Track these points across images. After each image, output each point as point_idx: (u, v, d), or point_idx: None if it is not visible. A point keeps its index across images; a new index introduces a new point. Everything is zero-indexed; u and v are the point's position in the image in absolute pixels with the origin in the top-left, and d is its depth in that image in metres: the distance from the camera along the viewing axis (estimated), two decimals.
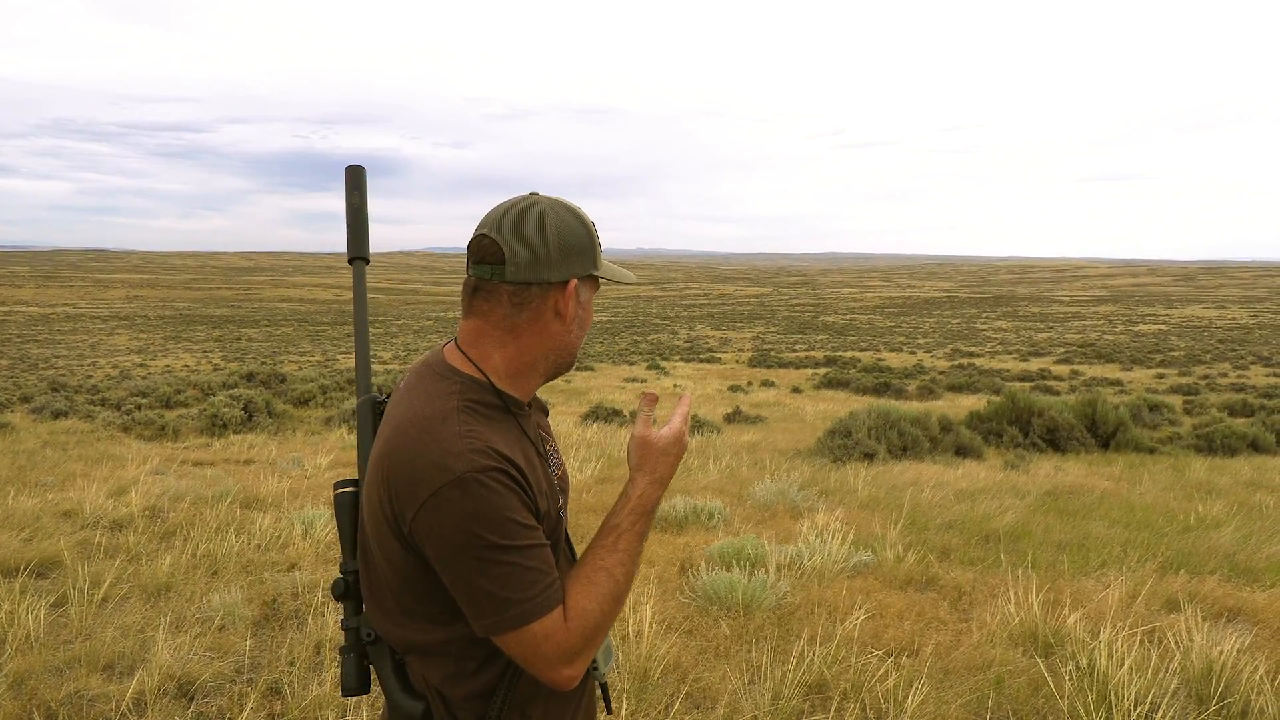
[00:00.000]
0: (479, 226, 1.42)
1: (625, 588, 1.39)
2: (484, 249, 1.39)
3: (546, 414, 1.64)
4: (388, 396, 1.50)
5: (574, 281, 1.41)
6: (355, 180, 1.64)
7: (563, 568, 1.45)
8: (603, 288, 1.53)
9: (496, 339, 1.42)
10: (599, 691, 1.58)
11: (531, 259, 1.38)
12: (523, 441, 1.41)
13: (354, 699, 3.48)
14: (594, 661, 1.47)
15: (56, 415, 14.66)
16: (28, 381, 26.86)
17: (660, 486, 1.46)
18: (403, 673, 1.42)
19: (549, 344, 1.43)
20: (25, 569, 5.02)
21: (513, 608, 1.28)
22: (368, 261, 1.61)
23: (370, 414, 1.50)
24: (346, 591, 1.44)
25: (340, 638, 4.08)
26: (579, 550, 1.50)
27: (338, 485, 1.49)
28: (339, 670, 1.47)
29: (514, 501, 1.30)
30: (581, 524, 6.69)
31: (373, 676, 1.46)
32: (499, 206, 1.43)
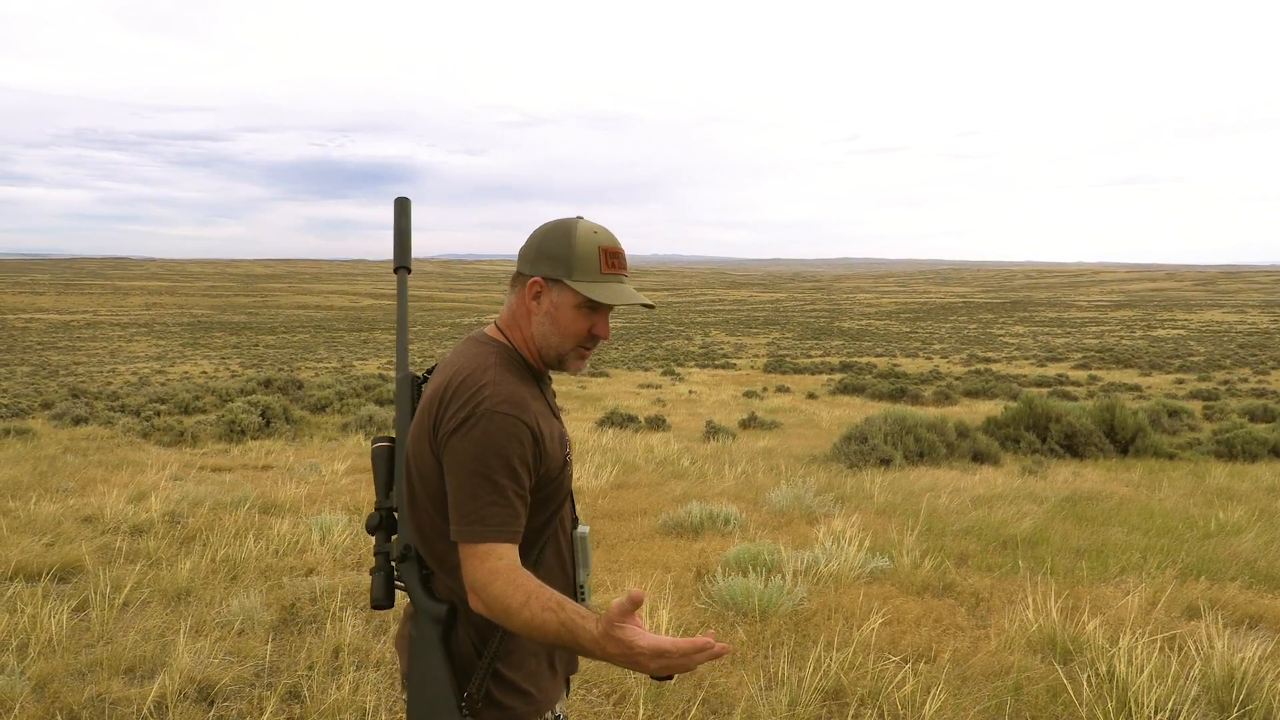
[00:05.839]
0: None
1: (517, 621, 1.51)
2: None
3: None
4: (428, 374, 1.78)
5: (535, 278, 1.70)
6: (401, 208, 1.94)
7: (565, 508, 1.76)
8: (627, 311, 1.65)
9: (510, 318, 1.76)
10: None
11: (523, 255, 1.74)
12: (540, 400, 1.72)
13: (380, 706, 3.51)
14: (576, 573, 1.78)
15: (77, 421, 14.80)
16: (48, 388, 27.13)
17: (601, 655, 1.47)
18: (429, 584, 1.68)
19: (529, 330, 1.74)
20: (47, 573, 5.07)
21: (475, 525, 1.55)
22: (409, 270, 1.90)
23: (409, 388, 1.76)
24: (380, 524, 1.71)
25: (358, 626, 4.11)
26: (578, 508, 1.78)
27: (375, 440, 1.77)
28: (371, 586, 1.70)
29: (516, 446, 1.58)
30: (598, 529, 6.70)
31: (398, 594, 1.70)
32: None
